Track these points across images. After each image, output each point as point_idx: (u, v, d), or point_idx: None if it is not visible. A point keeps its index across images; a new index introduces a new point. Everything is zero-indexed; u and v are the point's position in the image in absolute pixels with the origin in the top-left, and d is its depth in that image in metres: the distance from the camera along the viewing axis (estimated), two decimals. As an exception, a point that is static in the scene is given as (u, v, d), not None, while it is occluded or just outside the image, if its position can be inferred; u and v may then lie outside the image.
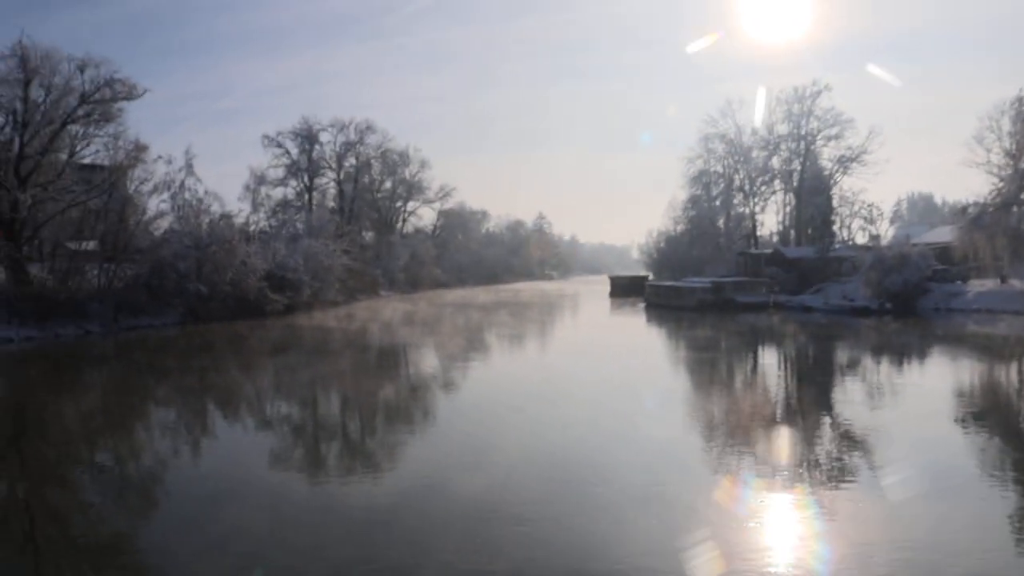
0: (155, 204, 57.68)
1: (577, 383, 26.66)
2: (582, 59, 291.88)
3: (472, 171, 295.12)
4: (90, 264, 47.62)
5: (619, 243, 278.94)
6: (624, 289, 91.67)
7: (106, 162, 52.05)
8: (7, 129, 46.69)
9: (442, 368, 31.67)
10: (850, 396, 23.96)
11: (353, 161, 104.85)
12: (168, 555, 11.01)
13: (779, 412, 21.83)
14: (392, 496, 13.38)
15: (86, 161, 51.72)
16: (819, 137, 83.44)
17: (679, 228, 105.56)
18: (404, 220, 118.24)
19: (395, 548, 10.91)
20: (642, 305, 71.81)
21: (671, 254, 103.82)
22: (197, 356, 36.72)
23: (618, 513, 12.10)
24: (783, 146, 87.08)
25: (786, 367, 32.50)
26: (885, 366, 31.82)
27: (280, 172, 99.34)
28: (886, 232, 70.42)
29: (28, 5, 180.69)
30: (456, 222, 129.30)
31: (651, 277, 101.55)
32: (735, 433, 18.30)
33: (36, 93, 46.42)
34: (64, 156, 49.36)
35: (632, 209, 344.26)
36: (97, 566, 10.90)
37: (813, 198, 79.55)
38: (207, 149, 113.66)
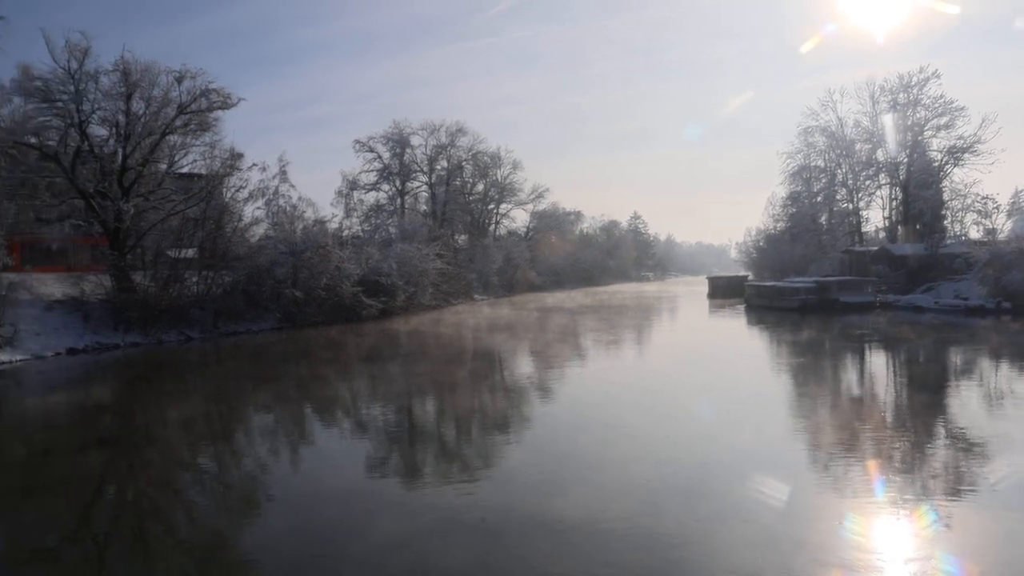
0: (251, 211, 59.80)
1: (677, 391, 26.22)
2: (676, 54, 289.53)
3: (565, 172, 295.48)
4: (190, 271, 49.58)
5: (717, 243, 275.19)
6: (723, 290, 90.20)
7: (203, 171, 54.29)
8: (111, 142, 49.03)
9: (537, 375, 31.61)
10: (969, 402, 22.97)
11: (445, 164, 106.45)
12: (269, 555, 11.31)
13: (898, 422, 21.09)
14: (484, 506, 13.43)
15: (184, 170, 54.04)
16: (927, 127, 79.88)
17: (779, 226, 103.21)
18: (497, 223, 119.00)
19: (489, 555, 10.97)
20: (742, 306, 70.43)
21: (771, 253, 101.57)
22: (294, 361, 37.74)
23: (729, 544, 11.78)
24: (888, 138, 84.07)
25: (899, 372, 31.28)
26: (1006, 370, 30.32)
27: (372, 177, 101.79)
28: (1003, 226, 66.84)
29: (127, 20, 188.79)
30: (550, 223, 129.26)
31: (751, 277, 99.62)
32: (851, 446, 17.62)
33: (137, 106, 48.72)
34: (164, 166, 51.54)
35: (730, 207, 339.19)
36: (202, 566, 11.28)
37: (922, 191, 76.56)
38: (299, 156, 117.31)
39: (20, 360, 36.08)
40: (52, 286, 43.95)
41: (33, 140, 46.04)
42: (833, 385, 27.28)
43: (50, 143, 46.36)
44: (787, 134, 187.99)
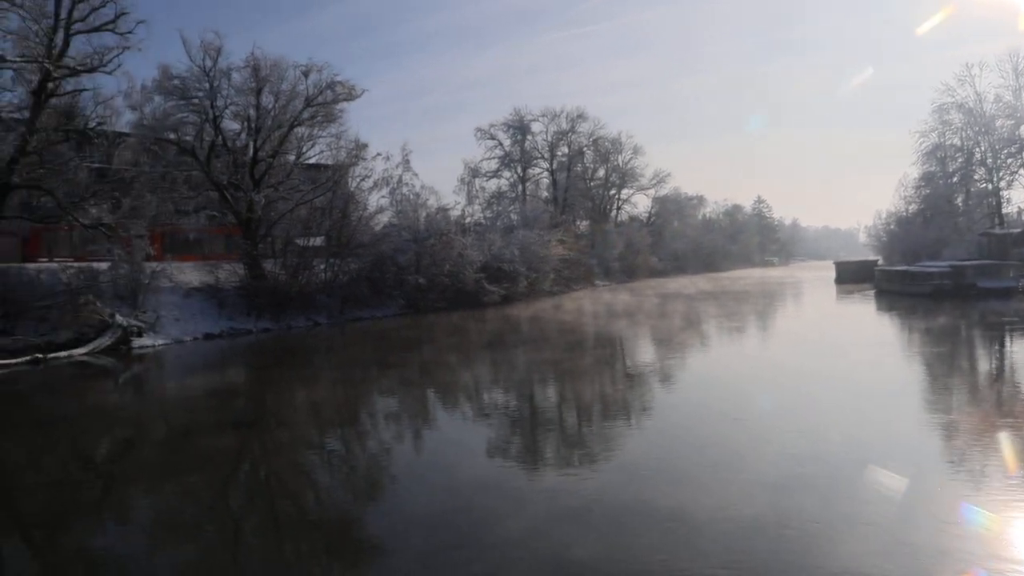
0: (375, 200, 61.21)
1: (803, 381, 25.14)
2: (798, 32, 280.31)
3: (686, 156, 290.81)
4: (317, 259, 51.20)
5: (844, 226, 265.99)
6: (851, 275, 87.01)
7: (329, 161, 55.90)
8: (243, 135, 51.02)
9: (659, 362, 31.14)
10: None
11: (565, 150, 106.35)
12: (398, 540, 11.55)
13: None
14: (604, 496, 13.32)
15: (311, 161, 55.73)
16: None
17: (911, 208, 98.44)
18: (618, 208, 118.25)
19: (611, 548, 10.93)
20: (871, 292, 67.79)
21: (903, 236, 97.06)
22: (417, 347, 38.55)
23: (852, 551, 11.19)
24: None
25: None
26: None
27: (493, 164, 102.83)
28: None
29: (256, 17, 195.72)
30: (671, 208, 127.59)
31: (881, 262, 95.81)
32: (991, 444, 16.39)
33: (267, 100, 50.56)
34: (292, 157, 53.21)
35: (859, 190, 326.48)
36: (331, 546, 11.65)
37: (1071, 169, 71.89)
38: (421, 145, 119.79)
39: (162, 344, 38.04)
40: (190, 274, 46.12)
41: (172, 136, 48.48)
42: (972, 377, 25.41)
43: (187, 138, 48.75)
44: (917, 111, 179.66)
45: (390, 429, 20.03)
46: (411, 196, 61.67)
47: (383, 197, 61.46)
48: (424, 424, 20.62)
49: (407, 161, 61.60)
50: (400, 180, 61.22)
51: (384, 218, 60.97)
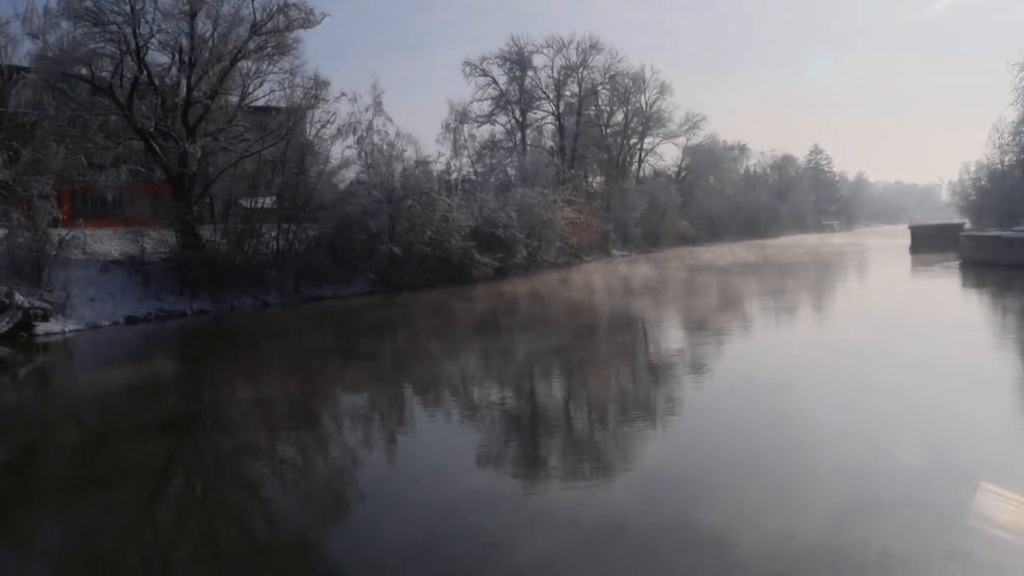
0: (339, 151, 61.05)
1: (873, 372, 24.83)
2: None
3: (726, 97, 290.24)
4: (267, 224, 51.20)
5: (922, 182, 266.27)
6: (930, 242, 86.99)
7: (282, 104, 55.62)
8: (173, 71, 50.66)
9: (691, 352, 30.88)
10: None
11: (575, 89, 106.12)
12: (365, 570, 11.34)
13: None
14: (617, 515, 13.09)
15: (260, 103, 55.64)
16: None
17: (1007, 159, 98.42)
18: (640, 161, 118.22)
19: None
20: (956, 263, 67.56)
21: (997, 194, 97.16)
22: (391, 332, 38.54)
23: None
24: None
25: None
26: None
27: (486, 106, 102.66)
28: None
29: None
30: (706, 161, 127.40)
31: (968, 225, 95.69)
32: None
33: (203, 27, 50.18)
34: (235, 99, 52.92)
35: (941, 137, 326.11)
36: (281, 573, 11.43)
37: None
38: (396, 83, 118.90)
39: (72, 330, 37.83)
40: (108, 243, 45.84)
41: (83, 71, 47.76)
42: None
43: (103, 74, 48.17)
44: (1017, 37, 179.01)
45: (358, 433, 19.85)
46: (384, 146, 61.42)
47: (349, 147, 61.41)
48: (400, 427, 20.42)
49: (379, 103, 61.25)
50: (370, 126, 60.99)
51: (350, 173, 61.06)
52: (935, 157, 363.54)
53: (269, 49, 52.26)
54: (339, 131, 58.88)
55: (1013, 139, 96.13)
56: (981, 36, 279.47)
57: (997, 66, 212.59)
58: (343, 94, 58.09)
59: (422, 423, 21.03)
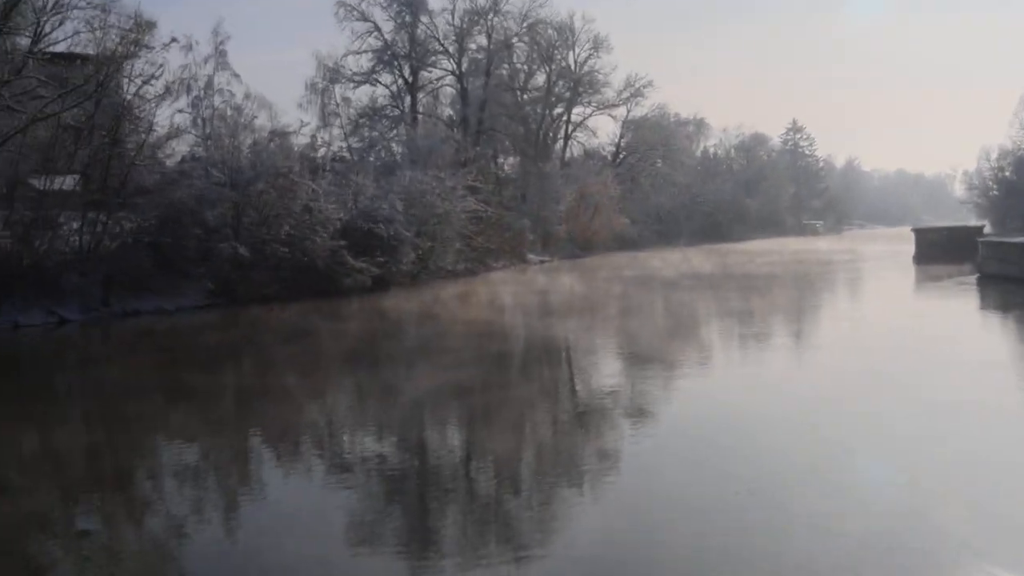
0: (167, 116, 59.86)
1: (868, 424, 24.80)
2: None
3: (679, 57, 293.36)
4: (67, 213, 49.97)
5: (929, 171, 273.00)
6: (939, 250, 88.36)
7: (90, 50, 53.98)
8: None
9: (630, 393, 30.89)
10: None
11: (483, 42, 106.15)
12: None
13: None
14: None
15: (58, 49, 54.22)
16: None
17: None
18: (567, 137, 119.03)
19: None
20: (973, 278, 68.80)
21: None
22: (233, 361, 38.16)
23: None
24: None
25: None
26: None
27: (365, 62, 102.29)
28: None
29: None
30: (653, 139, 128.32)
31: (987, 229, 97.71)
32: None
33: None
34: (24, 41, 51.35)
35: (952, 117, 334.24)
36: None
37: None
38: (246, 26, 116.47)
39: None
40: None
41: None
42: None
43: None
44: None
45: (185, 496, 19.39)
46: (228, 111, 60.97)
47: (181, 112, 60.72)
48: (242, 488, 20.08)
49: (222, 53, 61.04)
50: (210, 84, 60.65)
51: (182, 147, 60.61)
52: (947, 139, 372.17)
53: (74, -26, 51.09)
54: (168, 89, 57.94)
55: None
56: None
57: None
58: (174, 39, 57.10)
59: (274, 486, 20.53)
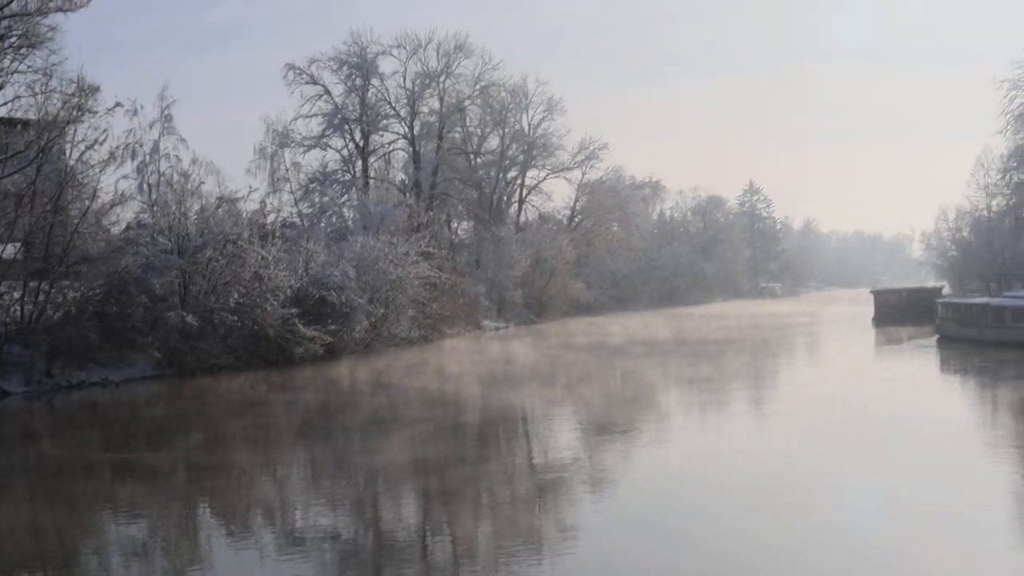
0: (112, 182, 59.37)
1: (838, 504, 24.84)
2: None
3: (634, 120, 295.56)
4: (7, 282, 49.47)
5: (888, 233, 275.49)
6: (898, 312, 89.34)
7: (32, 114, 53.41)
8: None
9: (587, 467, 30.76)
10: None
11: (435, 105, 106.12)
12: None
13: None
14: None
15: (0, 114, 53.38)
16: None
17: (995, 203, 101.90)
18: (522, 201, 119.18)
19: None
20: (932, 339, 69.21)
21: (983, 249, 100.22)
22: (182, 434, 37.70)
23: None
24: None
25: None
26: None
27: (315, 126, 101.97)
28: None
29: None
30: (608, 202, 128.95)
31: (946, 290, 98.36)
32: None
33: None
34: (-37, 106, 50.90)
35: (911, 175, 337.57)
36: None
37: None
38: (194, 91, 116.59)
39: None
40: None
41: None
42: None
43: None
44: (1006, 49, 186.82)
45: None
46: (174, 177, 60.65)
47: (126, 178, 60.44)
48: (188, 569, 19.78)
49: (168, 117, 60.65)
50: (156, 149, 60.28)
51: (127, 214, 60.15)
52: (905, 200, 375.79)
53: (14, 39, 50.92)
54: (112, 155, 57.71)
55: (1002, 177, 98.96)
56: (961, 43, 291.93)
57: (981, 81, 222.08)
58: (118, 104, 56.82)
59: (221, 562, 20.24)
